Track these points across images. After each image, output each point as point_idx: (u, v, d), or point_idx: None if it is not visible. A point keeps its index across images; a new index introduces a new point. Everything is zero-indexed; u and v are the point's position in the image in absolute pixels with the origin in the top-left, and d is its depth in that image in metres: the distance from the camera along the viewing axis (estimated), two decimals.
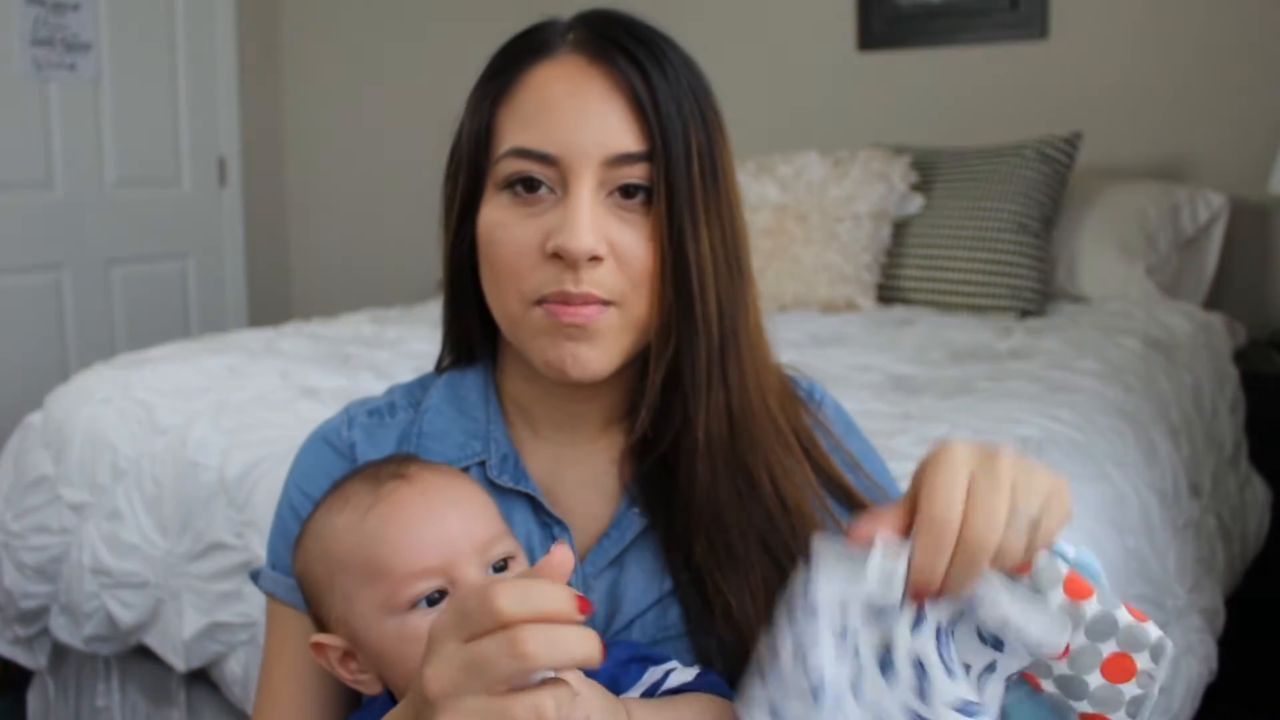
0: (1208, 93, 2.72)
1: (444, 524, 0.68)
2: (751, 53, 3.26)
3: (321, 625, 0.73)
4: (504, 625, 0.51)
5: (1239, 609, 1.92)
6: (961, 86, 3.01)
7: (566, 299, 0.71)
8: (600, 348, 0.73)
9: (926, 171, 2.64)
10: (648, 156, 0.72)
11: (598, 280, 0.72)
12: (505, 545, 0.70)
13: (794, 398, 0.84)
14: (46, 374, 2.98)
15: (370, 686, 0.72)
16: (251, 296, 3.72)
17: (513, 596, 0.52)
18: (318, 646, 0.72)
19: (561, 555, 0.55)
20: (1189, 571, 1.56)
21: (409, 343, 2.19)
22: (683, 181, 0.73)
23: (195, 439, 1.59)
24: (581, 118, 0.72)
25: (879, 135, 2.96)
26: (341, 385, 1.80)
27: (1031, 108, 2.89)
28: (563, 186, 0.72)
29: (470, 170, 0.77)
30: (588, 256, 0.70)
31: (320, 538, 0.72)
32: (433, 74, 3.75)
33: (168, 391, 1.76)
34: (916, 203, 2.57)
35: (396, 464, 0.73)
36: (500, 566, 0.69)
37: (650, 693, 0.67)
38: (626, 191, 0.73)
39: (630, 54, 0.73)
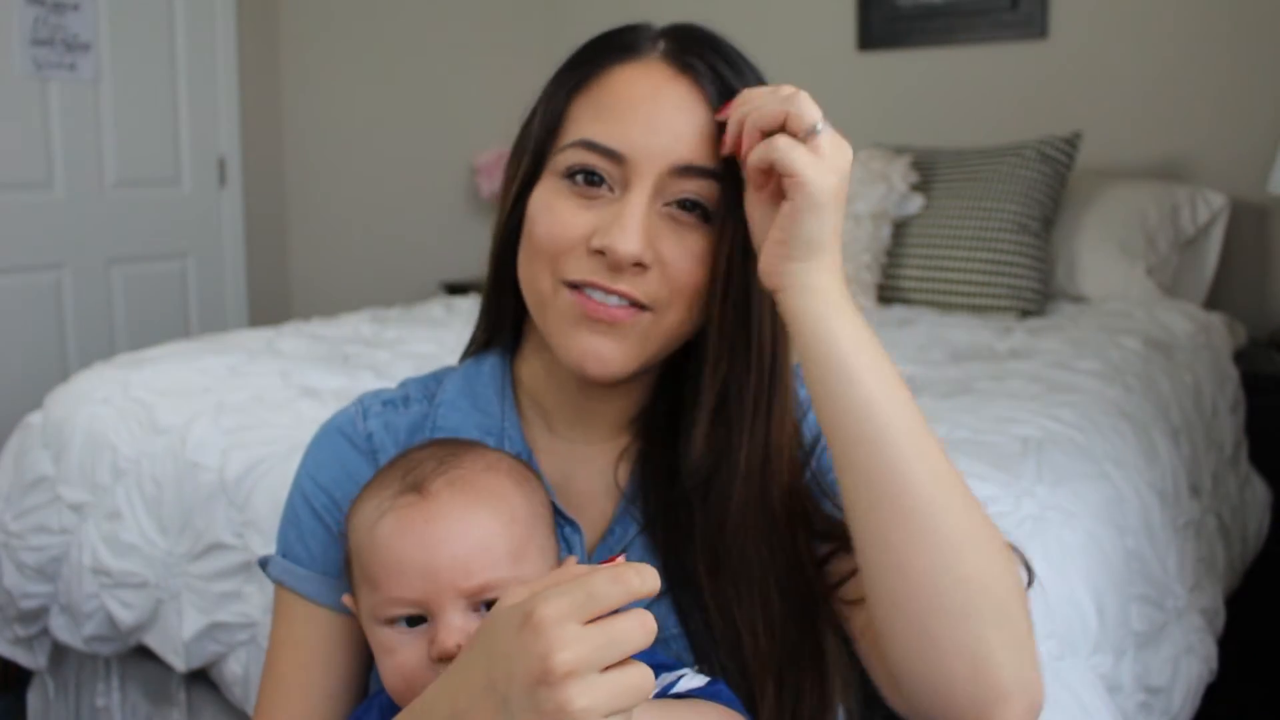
0: (1208, 93, 2.72)
1: (433, 559, 0.67)
2: (751, 53, 3.25)
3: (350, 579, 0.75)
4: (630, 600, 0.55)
5: (1239, 609, 1.91)
6: (961, 86, 3.01)
7: (600, 288, 0.71)
8: (624, 347, 0.73)
9: (926, 171, 2.64)
10: (712, 174, 0.72)
11: (637, 285, 0.71)
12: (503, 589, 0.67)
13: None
14: (46, 374, 2.98)
15: None
16: (251, 296, 3.72)
17: (641, 576, 0.55)
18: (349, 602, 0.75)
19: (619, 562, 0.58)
20: (1189, 571, 1.56)
21: (409, 343, 2.19)
22: None
23: (195, 439, 1.59)
24: (655, 121, 0.72)
25: (879, 135, 2.96)
26: (341, 385, 1.80)
27: (1031, 108, 2.89)
28: (623, 186, 0.72)
29: (535, 154, 0.77)
30: (631, 261, 0.70)
31: (354, 516, 0.73)
32: (433, 74, 3.75)
33: (168, 391, 1.76)
34: (916, 203, 2.57)
35: (435, 464, 0.71)
36: (491, 605, 0.67)
37: (659, 696, 0.67)
38: (683, 204, 0.73)
39: (716, 71, 0.74)
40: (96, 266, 3.24)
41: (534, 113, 0.79)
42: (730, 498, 0.75)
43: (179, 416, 1.66)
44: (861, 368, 0.66)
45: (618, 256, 0.70)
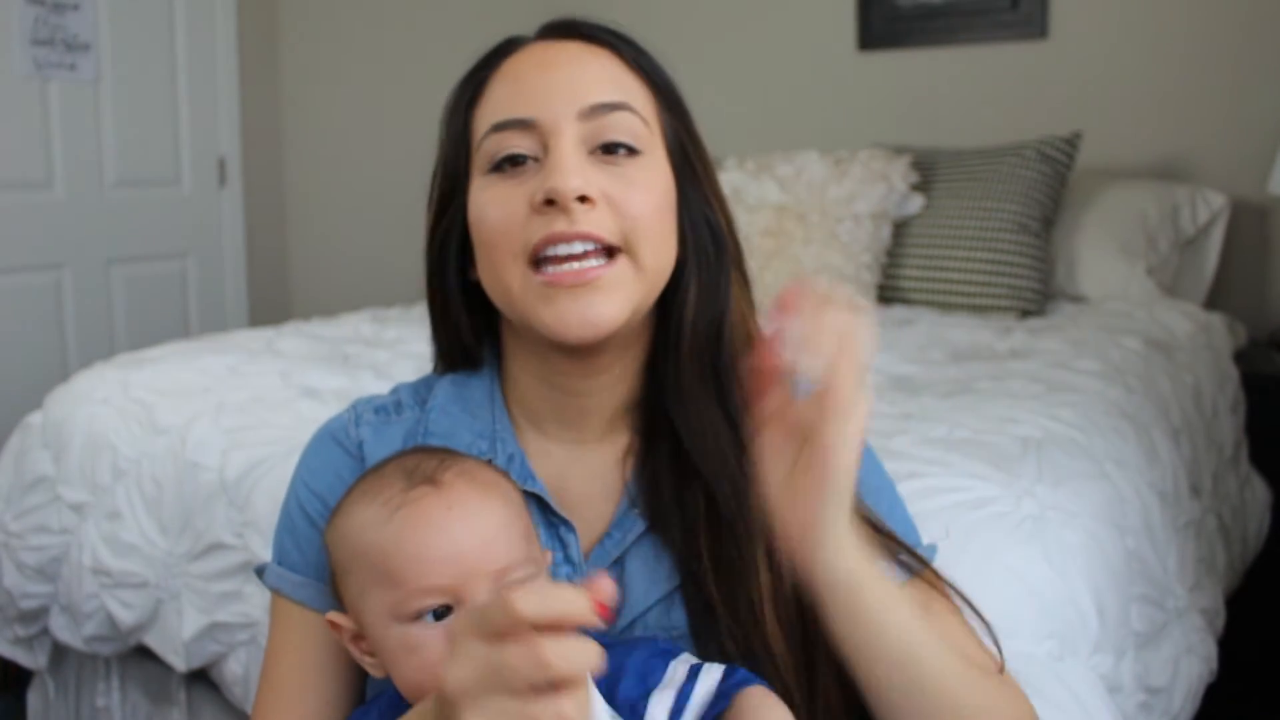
0: (1208, 93, 2.72)
1: (461, 544, 0.68)
2: (752, 53, 3.26)
3: (339, 598, 0.74)
4: (520, 627, 0.51)
5: (1239, 609, 1.91)
6: (961, 86, 3.01)
7: (562, 237, 0.71)
8: (608, 299, 0.73)
9: (926, 171, 2.64)
10: (623, 106, 0.75)
11: (594, 221, 0.72)
12: (523, 572, 0.69)
13: None
14: (46, 374, 2.98)
15: (377, 669, 0.73)
16: (251, 296, 3.72)
17: (531, 601, 0.51)
18: (333, 624, 0.73)
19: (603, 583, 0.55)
20: (1189, 571, 1.56)
21: (409, 343, 2.19)
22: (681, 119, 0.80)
23: (195, 439, 1.59)
24: (553, 79, 0.74)
25: (879, 135, 2.96)
26: (341, 385, 1.80)
27: (1031, 108, 2.89)
28: (544, 150, 0.74)
29: (449, 168, 0.79)
30: (576, 195, 0.71)
31: (347, 523, 0.72)
32: (432, 74, 3.74)
33: (168, 391, 1.76)
34: (916, 203, 2.57)
35: (437, 463, 0.72)
36: None
37: (681, 701, 0.67)
38: (609, 148, 0.74)
39: (602, 31, 0.78)
40: (96, 266, 3.24)
41: (442, 141, 0.81)
42: (730, 477, 0.76)
43: (179, 416, 1.66)
44: (890, 618, 0.68)
45: (562, 194, 0.70)
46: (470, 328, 0.83)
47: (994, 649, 0.76)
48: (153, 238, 3.38)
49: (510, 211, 0.73)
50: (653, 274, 0.75)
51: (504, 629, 0.51)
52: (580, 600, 0.52)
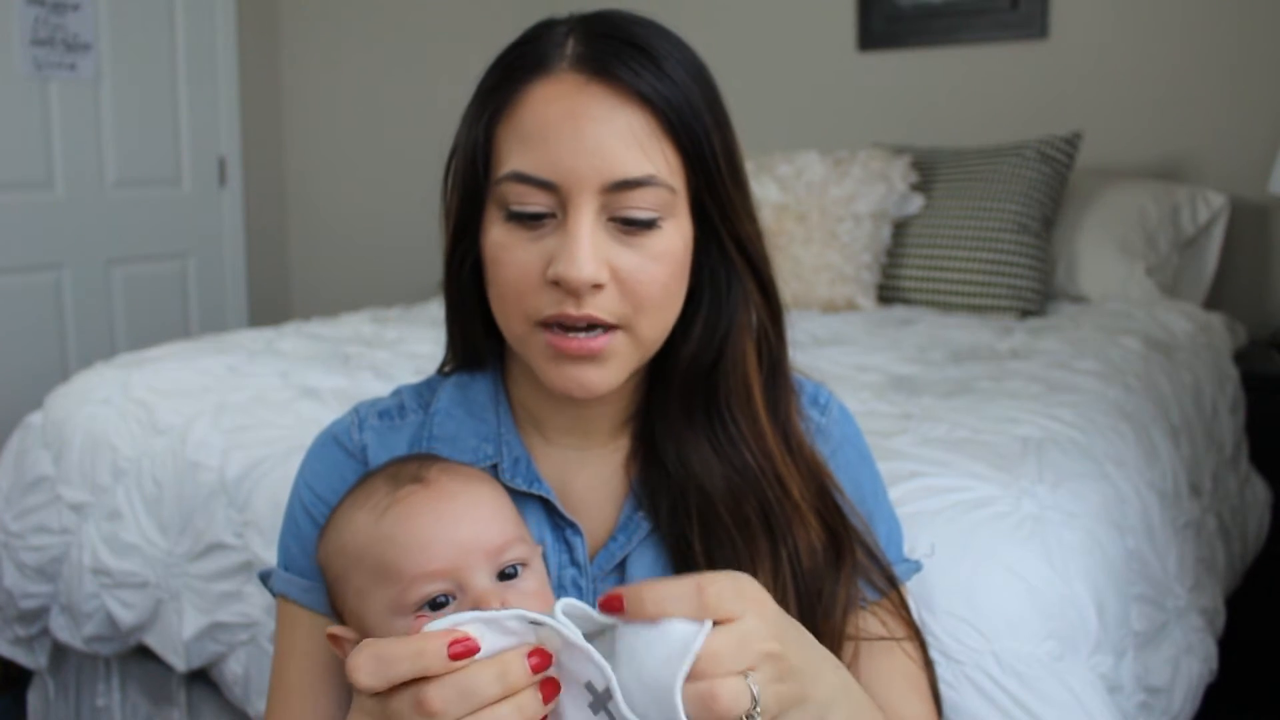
0: (1208, 93, 2.72)
1: (455, 529, 0.69)
2: (751, 53, 3.26)
3: (339, 613, 0.74)
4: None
5: (1239, 609, 1.91)
6: (961, 86, 3.01)
7: (568, 320, 0.72)
8: (607, 369, 0.74)
9: (926, 171, 2.64)
10: (648, 180, 0.72)
11: (599, 305, 0.72)
12: (518, 552, 0.70)
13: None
14: (46, 374, 2.98)
15: None
16: (251, 296, 3.72)
17: (444, 696, 0.56)
18: (333, 638, 0.73)
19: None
20: (1189, 571, 1.56)
21: (409, 343, 2.19)
22: (717, 180, 0.75)
23: (195, 439, 1.59)
24: (579, 142, 0.71)
25: (879, 135, 2.96)
26: (342, 385, 1.80)
27: (1031, 108, 2.89)
28: (563, 210, 0.72)
29: (469, 184, 0.77)
30: (588, 285, 0.70)
31: (339, 533, 0.73)
32: (433, 74, 3.75)
33: (168, 391, 1.76)
34: (916, 203, 2.57)
35: (418, 465, 0.74)
36: (511, 573, 0.69)
37: None
38: (630, 221, 0.72)
39: (631, 69, 0.72)
40: (96, 266, 3.24)
41: (458, 141, 0.78)
42: (720, 486, 0.77)
43: (179, 416, 1.66)
44: None
45: (572, 285, 0.70)
46: (484, 331, 0.83)
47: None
48: (153, 238, 3.38)
49: (523, 272, 0.72)
50: (651, 343, 0.76)
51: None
52: (493, 681, 0.56)
